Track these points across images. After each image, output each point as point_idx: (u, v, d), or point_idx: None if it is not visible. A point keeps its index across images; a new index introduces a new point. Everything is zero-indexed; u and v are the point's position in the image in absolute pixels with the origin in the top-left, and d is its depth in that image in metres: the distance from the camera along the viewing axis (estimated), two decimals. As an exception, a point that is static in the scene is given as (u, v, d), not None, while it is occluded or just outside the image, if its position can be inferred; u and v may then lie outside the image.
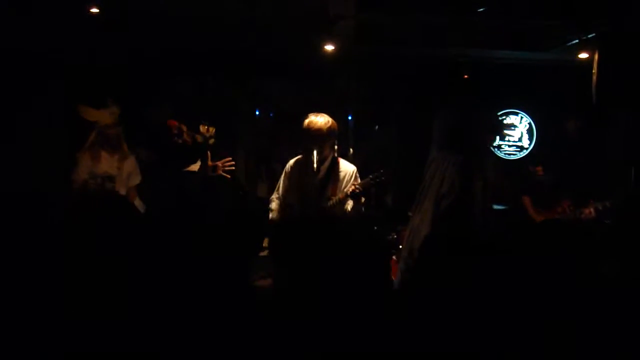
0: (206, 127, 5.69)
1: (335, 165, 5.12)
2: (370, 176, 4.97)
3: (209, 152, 5.47)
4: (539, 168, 5.94)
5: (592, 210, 5.44)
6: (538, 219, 6.14)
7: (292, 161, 5.29)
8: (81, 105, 5.74)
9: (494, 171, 4.88)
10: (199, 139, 5.66)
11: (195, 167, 5.66)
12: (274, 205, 5.24)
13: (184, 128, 5.72)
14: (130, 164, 5.88)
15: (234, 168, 5.49)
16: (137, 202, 5.74)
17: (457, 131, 4.80)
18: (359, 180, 5.04)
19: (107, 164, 5.71)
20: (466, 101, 7.33)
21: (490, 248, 2.35)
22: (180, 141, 5.69)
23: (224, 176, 5.46)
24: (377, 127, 7.93)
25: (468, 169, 4.66)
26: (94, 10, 5.84)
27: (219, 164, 5.44)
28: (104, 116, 5.71)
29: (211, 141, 5.65)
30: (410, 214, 6.30)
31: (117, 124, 5.74)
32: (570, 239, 2.24)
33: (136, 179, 5.93)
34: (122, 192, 5.69)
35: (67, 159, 5.82)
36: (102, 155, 5.69)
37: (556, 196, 6.11)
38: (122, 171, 5.78)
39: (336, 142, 5.29)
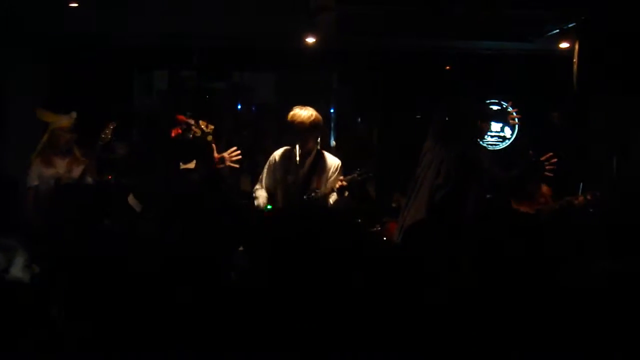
0: (205, 123, 5.65)
1: (319, 159, 5.11)
2: (357, 171, 4.97)
3: (214, 145, 5.44)
4: (548, 158, 5.95)
5: (581, 199, 5.45)
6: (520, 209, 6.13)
7: (276, 153, 5.26)
8: (39, 108, 5.80)
9: (489, 162, 4.90)
10: (198, 133, 5.62)
11: (190, 165, 5.64)
12: (259, 192, 5.22)
13: (192, 122, 5.66)
14: (82, 168, 5.76)
15: (240, 157, 5.43)
16: (133, 201, 5.68)
17: (451, 122, 4.84)
18: (341, 175, 5.04)
19: (58, 167, 5.67)
20: (457, 93, 7.38)
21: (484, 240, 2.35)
22: (190, 136, 5.63)
23: (233, 167, 5.41)
24: (359, 119, 7.92)
25: (464, 160, 4.70)
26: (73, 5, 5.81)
27: (226, 155, 5.39)
28: (61, 119, 5.69)
29: (209, 137, 5.61)
30: (394, 204, 6.32)
31: (72, 129, 5.70)
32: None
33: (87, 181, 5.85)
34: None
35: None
36: (53, 159, 5.66)
37: (536, 185, 6.11)
38: (72, 174, 5.70)
39: (320, 136, 5.25)
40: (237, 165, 5.40)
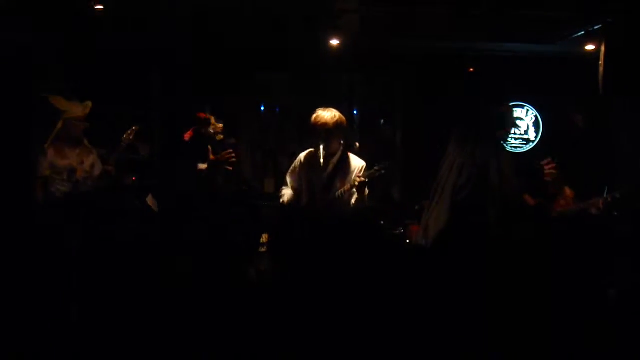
0: (215, 123, 5.69)
1: (344, 160, 5.13)
2: (375, 167, 4.98)
3: (209, 147, 5.46)
4: (547, 163, 5.88)
5: (601, 201, 5.41)
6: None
7: (301, 155, 5.30)
8: (52, 95, 5.65)
9: (511, 166, 4.88)
10: (219, 129, 5.64)
11: (203, 166, 5.67)
12: (285, 191, 5.27)
13: (212, 119, 5.69)
14: (93, 158, 5.79)
15: (235, 160, 5.45)
16: (151, 201, 5.71)
17: (473, 126, 4.83)
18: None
19: (70, 158, 5.64)
20: (480, 95, 7.35)
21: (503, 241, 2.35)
22: (211, 132, 5.65)
23: (227, 169, 5.43)
24: (382, 121, 7.91)
25: (485, 162, 4.69)
26: (99, 7, 5.85)
27: (221, 157, 5.41)
28: (76, 108, 5.64)
29: (219, 137, 5.64)
30: (417, 207, 6.30)
31: (85, 119, 5.67)
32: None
33: (98, 169, 5.81)
34: (89, 183, 5.65)
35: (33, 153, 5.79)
36: (65, 149, 5.62)
37: (558, 187, 6.08)
38: (85, 165, 5.70)
39: (344, 137, 5.26)
40: (230, 168, 5.42)
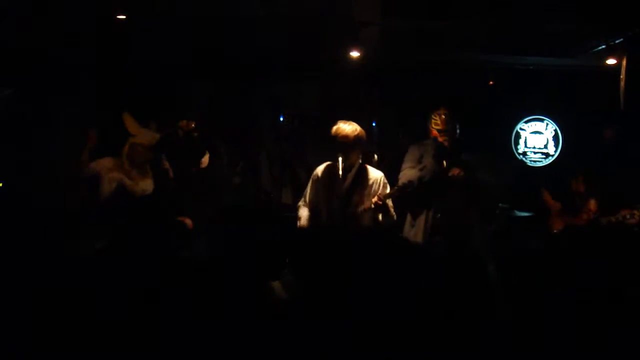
0: (185, 122, 5.73)
1: (362, 173, 5.13)
2: (396, 187, 4.99)
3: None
4: (579, 182, 5.93)
5: (629, 215, 5.41)
6: (559, 225, 6.07)
7: (320, 167, 5.30)
8: (126, 114, 5.66)
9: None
10: (180, 133, 5.68)
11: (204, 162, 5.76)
12: (302, 212, 5.24)
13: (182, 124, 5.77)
14: (148, 182, 5.74)
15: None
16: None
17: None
18: (388, 187, 5.05)
19: (128, 175, 5.59)
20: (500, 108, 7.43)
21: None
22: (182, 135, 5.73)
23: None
24: (401, 134, 7.90)
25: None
26: (121, 16, 5.89)
27: None
28: (146, 134, 5.64)
29: (195, 134, 5.70)
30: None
31: (151, 148, 5.66)
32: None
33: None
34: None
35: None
36: (129, 167, 5.59)
37: (583, 201, 6.06)
38: (138, 187, 5.65)
39: (363, 151, 5.27)
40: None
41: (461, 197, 5.14)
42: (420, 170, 5.21)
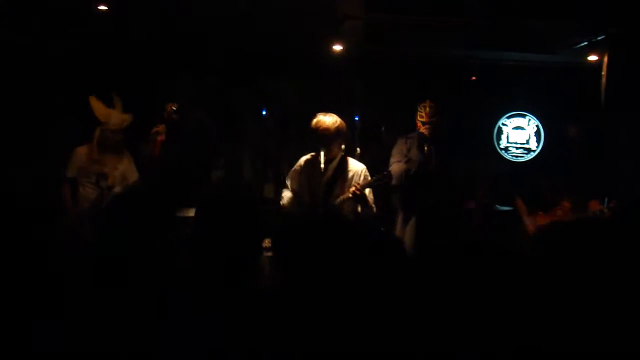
0: (170, 105, 5.76)
1: (343, 165, 5.14)
2: (374, 177, 5.02)
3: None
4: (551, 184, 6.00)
5: (596, 210, 5.44)
6: (532, 223, 6.09)
7: (302, 159, 5.32)
8: (93, 97, 5.62)
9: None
10: (165, 116, 5.70)
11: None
12: (285, 193, 5.30)
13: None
14: (127, 163, 5.79)
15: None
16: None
17: None
18: (369, 179, 5.07)
19: (103, 163, 5.62)
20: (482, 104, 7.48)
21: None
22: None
23: None
24: (383, 128, 7.90)
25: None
26: (102, 7, 5.86)
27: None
28: (115, 118, 5.62)
29: (174, 116, 5.70)
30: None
31: (123, 131, 5.68)
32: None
33: (133, 177, 5.82)
34: (117, 189, 5.56)
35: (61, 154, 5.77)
36: (101, 155, 5.62)
37: (555, 198, 6.09)
38: (118, 170, 5.69)
39: (344, 142, 5.29)
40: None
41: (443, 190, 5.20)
42: (406, 162, 5.27)
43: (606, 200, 5.47)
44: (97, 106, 5.60)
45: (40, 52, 6.79)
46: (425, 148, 5.27)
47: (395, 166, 5.32)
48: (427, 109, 5.34)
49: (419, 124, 5.37)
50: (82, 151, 5.60)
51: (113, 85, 6.00)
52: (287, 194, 5.28)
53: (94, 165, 5.57)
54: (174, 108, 5.82)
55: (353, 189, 4.94)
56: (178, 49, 7.32)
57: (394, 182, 5.21)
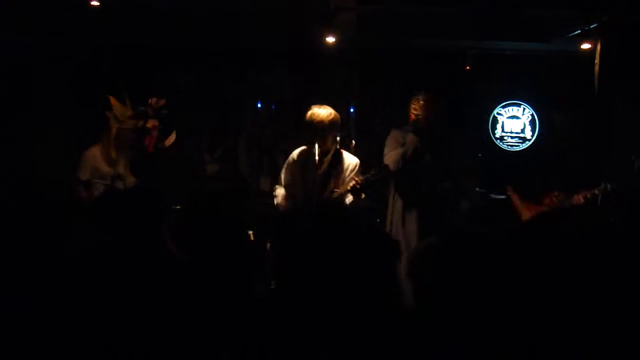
0: (155, 100, 5.70)
1: (338, 158, 5.14)
2: (372, 172, 5.01)
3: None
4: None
5: (581, 197, 5.46)
6: (527, 214, 6.10)
7: (295, 152, 5.30)
8: (112, 97, 5.54)
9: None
10: (150, 112, 5.65)
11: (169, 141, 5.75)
12: (278, 191, 5.28)
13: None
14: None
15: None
16: None
17: None
18: (359, 174, 5.07)
19: (119, 164, 5.53)
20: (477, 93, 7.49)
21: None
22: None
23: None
24: (378, 119, 7.90)
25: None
26: (95, 2, 5.84)
27: None
28: (130, 119, 5.57)
29: (164, 111, 5.68)
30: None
31: (135, 131, 5.61)
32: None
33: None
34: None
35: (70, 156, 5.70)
36: (116, 156, 5.52)
37: (544, 188, 6.10)
38: (129, 171, 5.63)
39: (338, 135, 5.28)
40: None
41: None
42: (402, 146, 5.28)
43: (603, 184, 5.47)
44: (117, 106, 5.53)
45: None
46: (419, 137, 5.28)
47: (392, 153, 5.30)
48: (421, 101, 5.33)
49: (413, 115, 5.36)
50: (94, 152, 5.47)
51: (110, 83, 6.01)
52: (280, 192, 5.26)
53: (109, 167, 5.45)
54: (162, 103, 5.75)
55: (353, 182, 4.93)
56: (171, 43, 7.32)
57: (391, 167, 5.18)
